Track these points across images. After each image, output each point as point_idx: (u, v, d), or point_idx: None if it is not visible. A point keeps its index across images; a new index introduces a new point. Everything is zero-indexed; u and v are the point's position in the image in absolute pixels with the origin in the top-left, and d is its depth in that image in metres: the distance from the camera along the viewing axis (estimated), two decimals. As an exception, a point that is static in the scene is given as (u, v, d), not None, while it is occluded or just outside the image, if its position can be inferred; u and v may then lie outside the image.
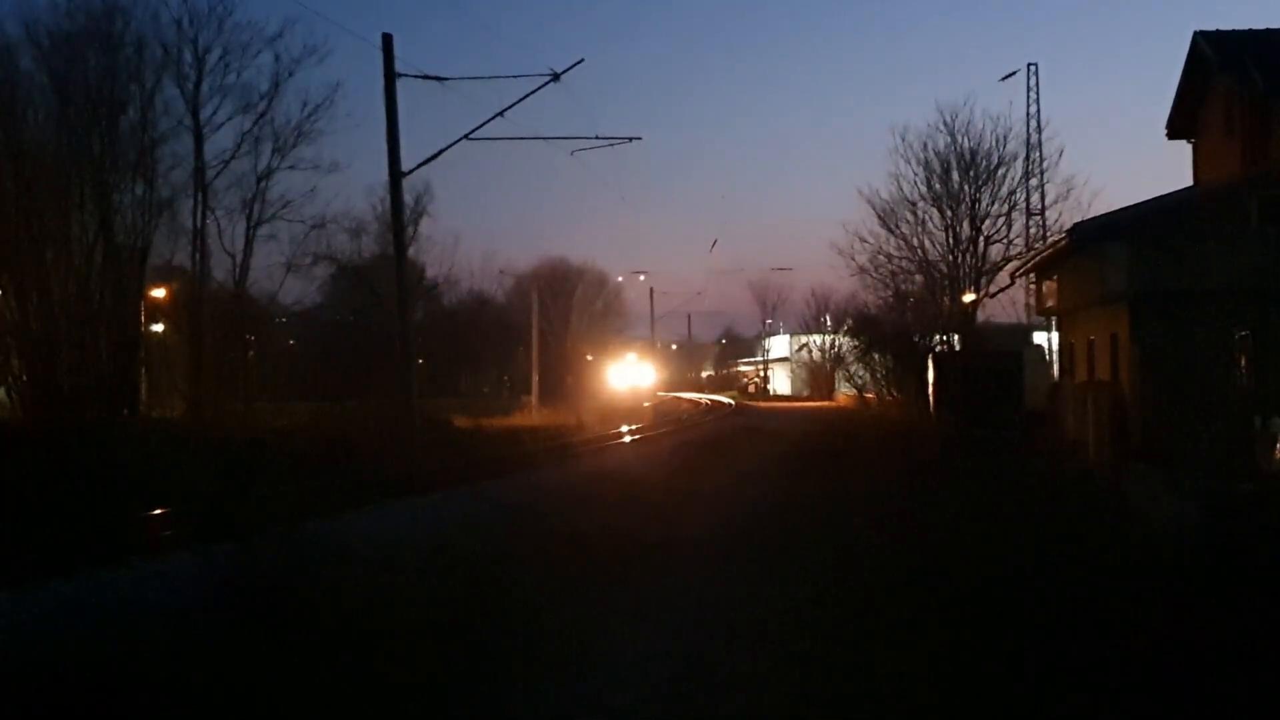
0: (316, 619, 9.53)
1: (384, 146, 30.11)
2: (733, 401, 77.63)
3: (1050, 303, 31.89)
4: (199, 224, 35.74)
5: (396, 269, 32.64)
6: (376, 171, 61.43)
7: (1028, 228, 49.19)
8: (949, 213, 41.20)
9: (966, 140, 40.91)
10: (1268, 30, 26.27)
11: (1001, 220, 41.65)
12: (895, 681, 8.30)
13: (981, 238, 41.12)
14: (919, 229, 41.88)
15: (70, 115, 33.27)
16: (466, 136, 30.07)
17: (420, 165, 31.26)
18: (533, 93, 28.91)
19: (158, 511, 18.98)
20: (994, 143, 41.02)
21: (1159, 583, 10.94)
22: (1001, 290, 43.17)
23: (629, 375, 79.62)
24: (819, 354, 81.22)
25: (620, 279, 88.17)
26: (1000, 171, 41.19)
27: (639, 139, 41.37)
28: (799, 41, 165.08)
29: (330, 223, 41.41)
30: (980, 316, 43.39)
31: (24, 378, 31.93)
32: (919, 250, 42.11)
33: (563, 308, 78.27)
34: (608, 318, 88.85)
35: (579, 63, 29.84)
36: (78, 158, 33.28)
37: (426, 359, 52.59)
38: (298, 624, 9.22)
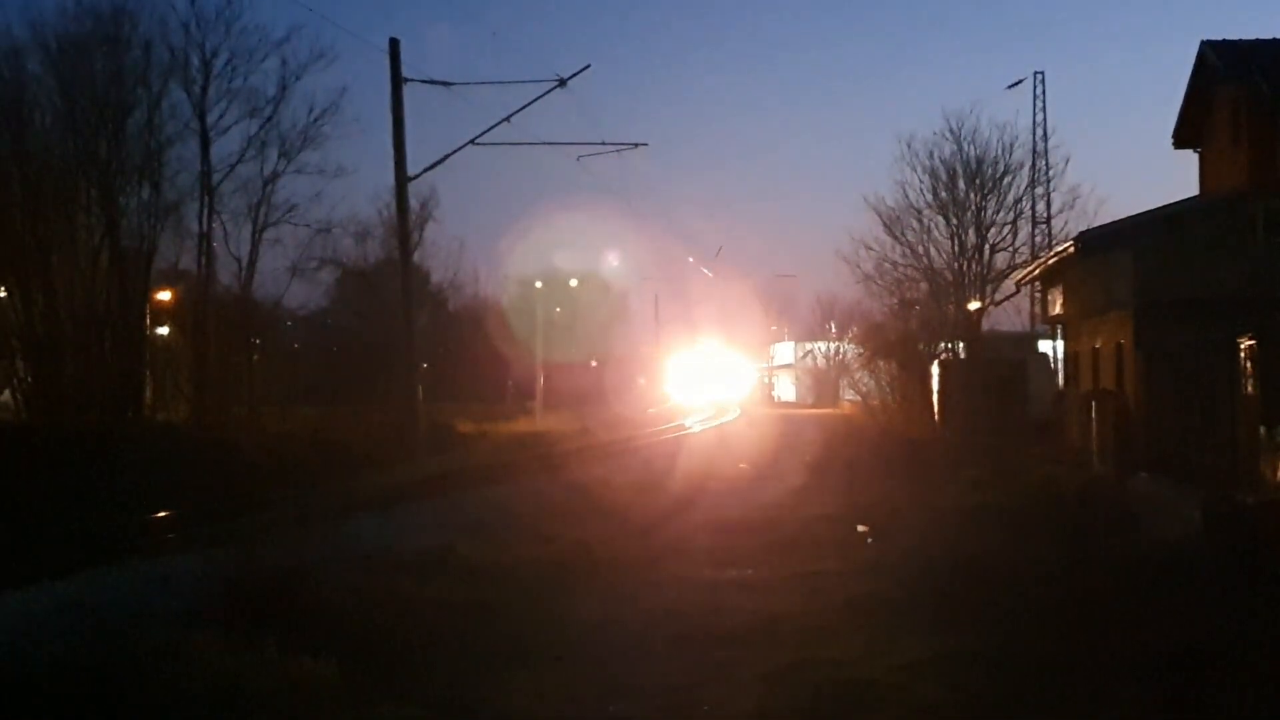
0: (316, 620, 9.53)
1: (390, 151, 30.16)
2: (738, 407, 77.51)
3: (1055, 311, 31.83)
4: (205, 228, 35.67)
5: (402, 274, 32.66)
6: (382, 176, 61.41)
7: (1033, 236, 49.17)
8: (954, 220, 41.12)
9: (973, 148, 40.83)
10: (1275, 40, 26.17)
11: (1007, 228, 41.57)
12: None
13: (987, 245, 41.03)
14: (924, 236, 41.81)
15: (77, 118, 33.26)
16: (472, 142, 30.14)
17: (426, 170, 31.33)
18: (539, 98, 28.96)
19: (162, 514, 19.02)
20: (1000, 151, 40.92)
21: (1160, 595, 10.88)
22: (1007, 298, 43.10)
23: (716, 379, 76.32)
24: (823, 361, 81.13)
25: (625, 285, 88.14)
26: (1006, 180, 41.09)
27: (645, 145, 41.59)
28: (806, 49, 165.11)
29: (336, 227, 41.17)
30: (985, 324, 43.30)
31: (29, 380, 31.92)
32: (924, 258, 42.04)
33: (568, 313, 78.28)
34: (613, 324, 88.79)
35: (585, 69, 29.87)
36: (84, 161, 33.27)
37: (431, 364, 52.60)
38: (298, 625, 9.22)
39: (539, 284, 64.62)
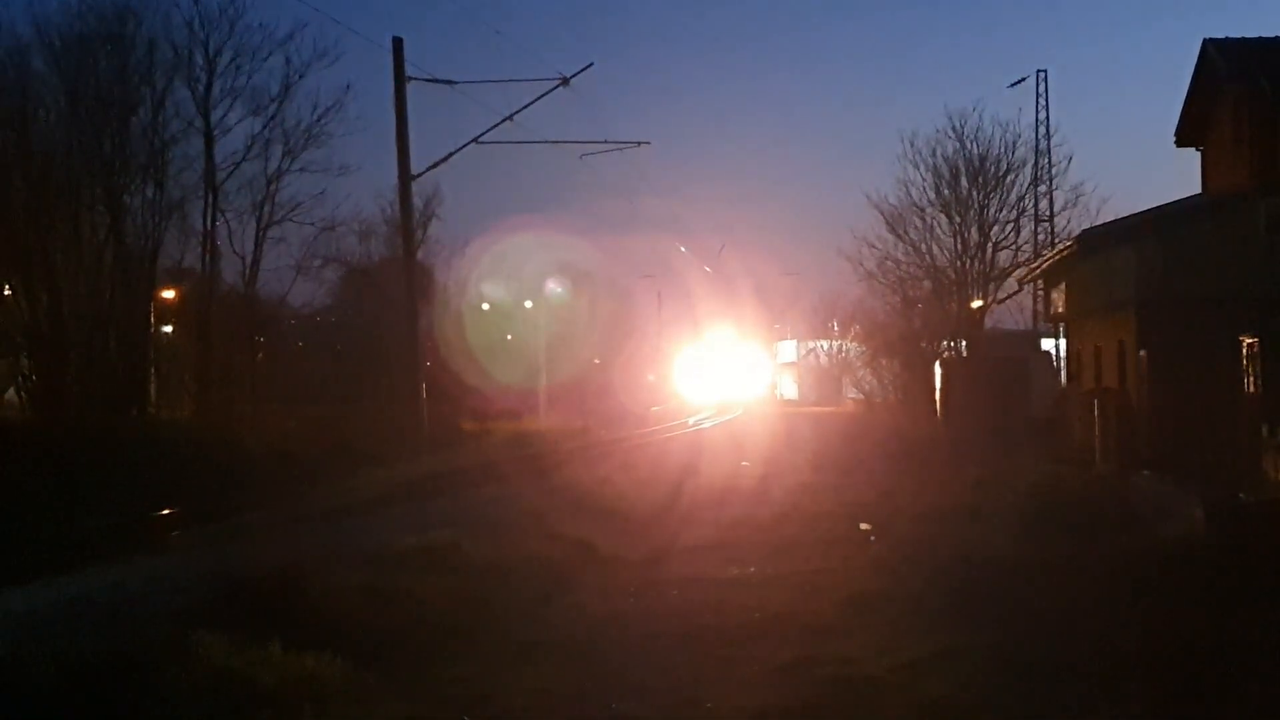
0: (320, 617, 9.58)
1: (393, 150, 30.23)
2: (742, 406, 77.48)
3: (1058, 309, 31.83)
4: (209, 226, 35.68)
5: (405, 272, 32.71)
6: (386, 174, 61.28)
7: (1036, 234, 49.03)
8: (957, 219, 41.15)
9: (975, 146, 40.87)
10: (1278, 38, 26.20)
11: (1010, 226, 41.61)
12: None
13: (990, 244, 41.06)
14: (927, 235, 41.84)
15: (81, 116, 33.27)
16: (475, 140, 30.23)
17: (429, 169, 31.39)
18: (542, 97, 29.04)
19: (166, 511, 19.08)
20: (1003, 149, 40.96)
21: (1162, 594, 10.90)
22: (1009, 296, 43.13)
23: (721, 377, 76.48)
24: (826, 359, 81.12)
25: (628, 284, 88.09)
26: (1009, 178, 41.13)
27: (648, 144, 41.57)
28: (809, 47, 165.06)
29: (339, 225, 41.06)
30: (988, 322, 43.33)
31: (34, 378, 31.96)
32: (927, 256, 42.06)
33: (571, 312, 78.35)
34: (616, 322, 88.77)
35: (588, 67, 29.93)
36: (88, 159, 33.28)
37: (434, 362, 52.60)
38: (303, 622, 9.26)
39: (543, 282, 64.63)
